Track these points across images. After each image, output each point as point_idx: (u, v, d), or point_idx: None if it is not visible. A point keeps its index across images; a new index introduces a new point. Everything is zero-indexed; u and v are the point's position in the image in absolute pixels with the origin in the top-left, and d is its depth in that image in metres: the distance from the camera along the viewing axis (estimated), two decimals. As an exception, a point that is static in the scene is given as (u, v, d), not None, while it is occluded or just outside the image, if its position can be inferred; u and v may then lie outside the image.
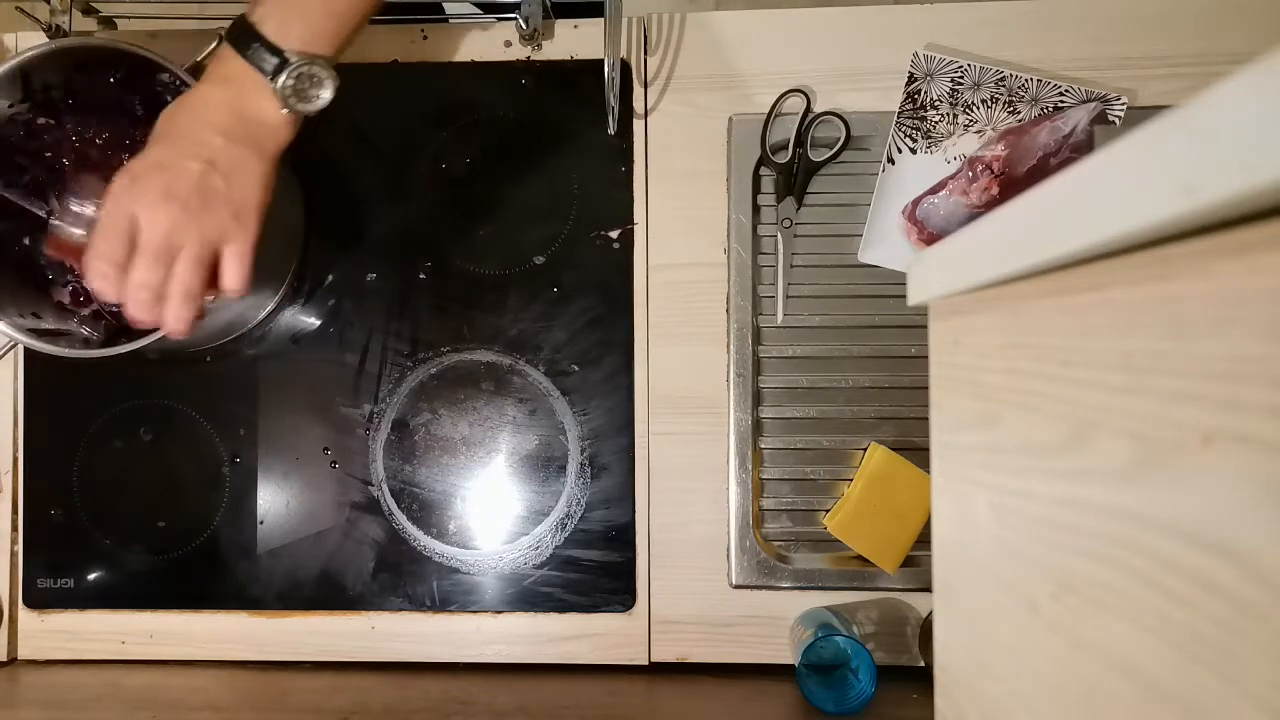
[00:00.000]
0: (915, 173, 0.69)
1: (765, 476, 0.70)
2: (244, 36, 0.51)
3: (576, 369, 0.71)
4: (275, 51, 0.51)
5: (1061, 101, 0.67)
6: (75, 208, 0.59)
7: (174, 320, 0.52)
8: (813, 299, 0.70)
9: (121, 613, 0.71)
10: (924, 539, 0.67)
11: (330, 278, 0.72)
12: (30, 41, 0.72)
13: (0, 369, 0.72)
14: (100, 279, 0.51)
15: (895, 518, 0.67)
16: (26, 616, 0.71)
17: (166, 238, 0.51)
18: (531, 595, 0.70)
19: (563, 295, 0.71)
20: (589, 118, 0.71)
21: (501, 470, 0.71)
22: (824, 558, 0.69)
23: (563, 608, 0.69)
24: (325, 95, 0.53)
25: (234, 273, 0.54)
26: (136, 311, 0.52)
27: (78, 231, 0.60)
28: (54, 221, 0.59)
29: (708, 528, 0.69)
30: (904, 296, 0.44)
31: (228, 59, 0.52)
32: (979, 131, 0.69)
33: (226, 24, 0.52)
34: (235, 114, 0.52)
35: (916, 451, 0.68)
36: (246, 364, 0.72)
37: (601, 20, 0.63)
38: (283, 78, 0.51)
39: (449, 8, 0.83)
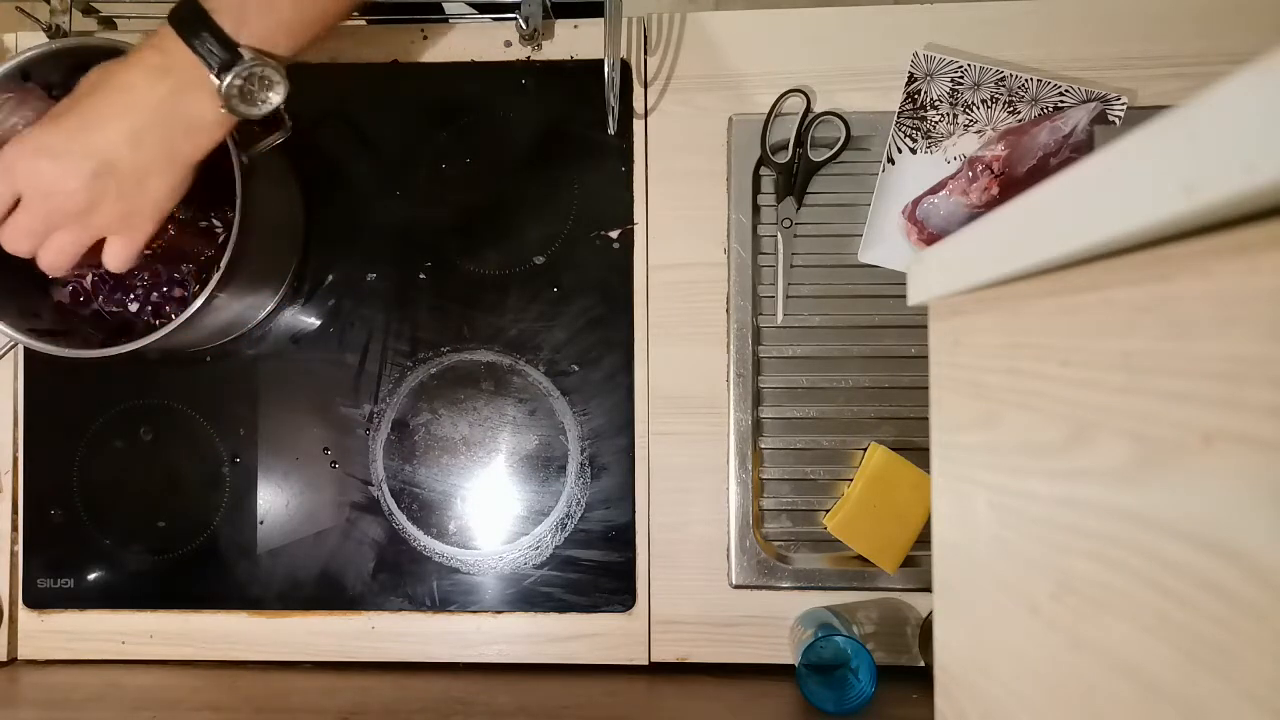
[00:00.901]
0: (915, 173, 0.69)
1: (765, 476, 0.70)
2: (193, 23, 0.46)
3: (576, 369, 0.71)
4: (227, 45, 0.46)
5: (1061, 101, 0.67)
6: None
7: (45, 268, 0.52)
8: (813, 299, 0.70)
9: (121, 613, 0.71)
10: (924, 539, 0.67)
11: (330, 278, 0.72)
12: (30, 41, 0.72)
13: (0, 369, 0.72)
14: None
15: (895, 518, 0.67)
16: (26, 616, 0.71)
17: (43, 222, 0.49)
18: (531, 595, 0.70)
19: (563, 295, 0.71)
20: (589, 118, 0.71)
21: (501, 470, 0.71)
22: (824, 558, 0.69)
23: (563, 608, 0.69)
24: (273, 99, 0.49)
25: (115, 258, 0.52)
26: (10, 250, 0.51)
27: None
28: None
29: (708, 528, 0.69)
30: (904, 296, 0.44)
31: (168, 46, 0.47)
32: (979, 131, 0.69)
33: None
34: (158, 112, 0.47)
35: (916, 451, 0.68)
36: (246, 364, 0.72)
37: (601, 20, 0.63)
38: (230, 76, 0.47)
39: (449, 8, 0.83)
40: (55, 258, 0.51)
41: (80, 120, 0.48)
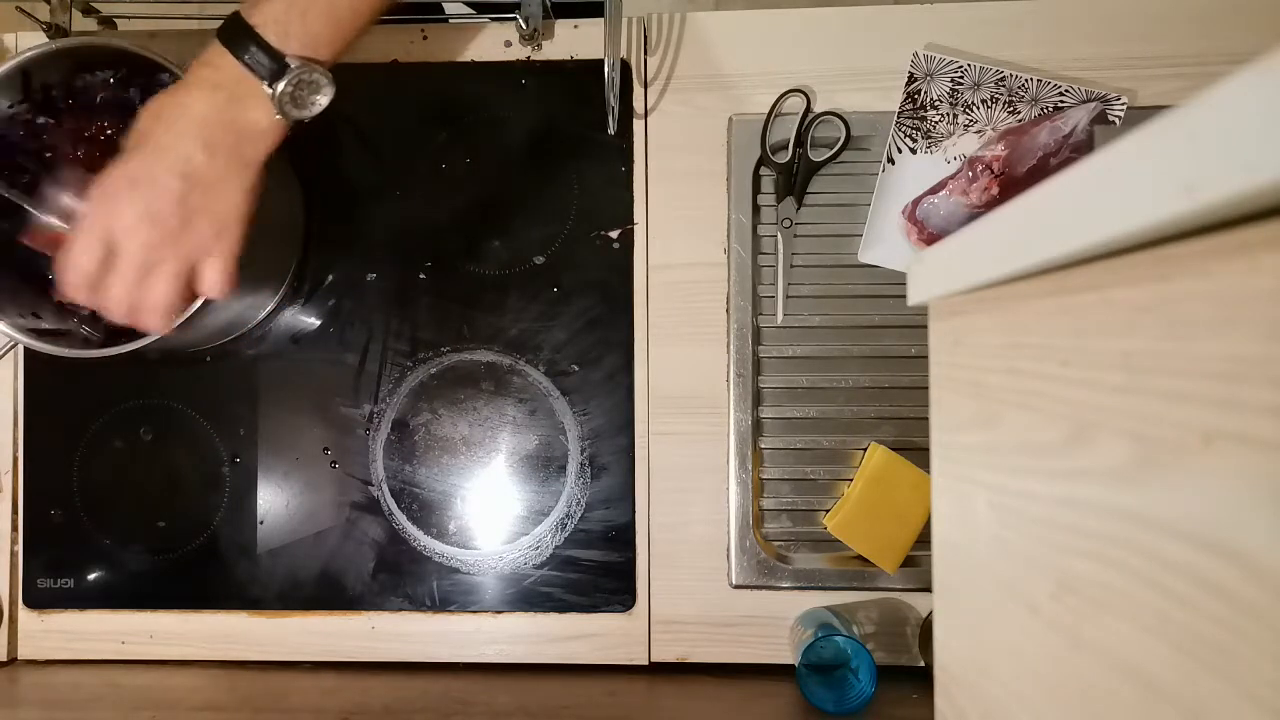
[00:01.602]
0: (915, 173, 0.69)
1: (765, 476, 0.70)
2: (240, 38, 0.49)
3: (576, 369, 0.71)
4: (274, 56, 0.49)
5: (1061, 101, 0.67)
6: (54, 197, 0.59)
7: (151, 326, 0.52)
8: (813, 299, 0.70)
9: (121, 613, 0.71)
10: (924, 539, 0.67)
11: (330, 278, 0.72)
12: (30, 41, 0.72)
13: (0, 369, 0.72)
14: (73, 290, 0.50)
15: (895, 518, 0.67)
16: (26, 616, 0.71)
17: (145, 255, 0.50)
18: (531, 595, 0.70)
19: (563, 295, 0.71)
20: (589, 118, 0.71)
21: (501, 470, 0.71)
22: (824, 558, 0.69)
23: (563, 608, 0.69)
24: (322, 102, 0.52)
25: (213, 281, 0.53)
26: (113, 317, 0.52)
27: (56, 222, 0.59)
28: (32, 210, 0.59)
29: (708, 528, 0.69)
30: (904, 296, 0.44)
31: (219, 63, 0.50)
32: (979, 131, 0.69)
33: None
34: (220, 123, 0.50)
35: (916, 451, 0.68)
36: (246, 364, 0.72)
37: (601, 20, 0.63)
38: (281, 84, 0.49)
39: (449, 8, 0.83)
40: (158, 302, 0.51)
41: (155, 145, 0.50)
